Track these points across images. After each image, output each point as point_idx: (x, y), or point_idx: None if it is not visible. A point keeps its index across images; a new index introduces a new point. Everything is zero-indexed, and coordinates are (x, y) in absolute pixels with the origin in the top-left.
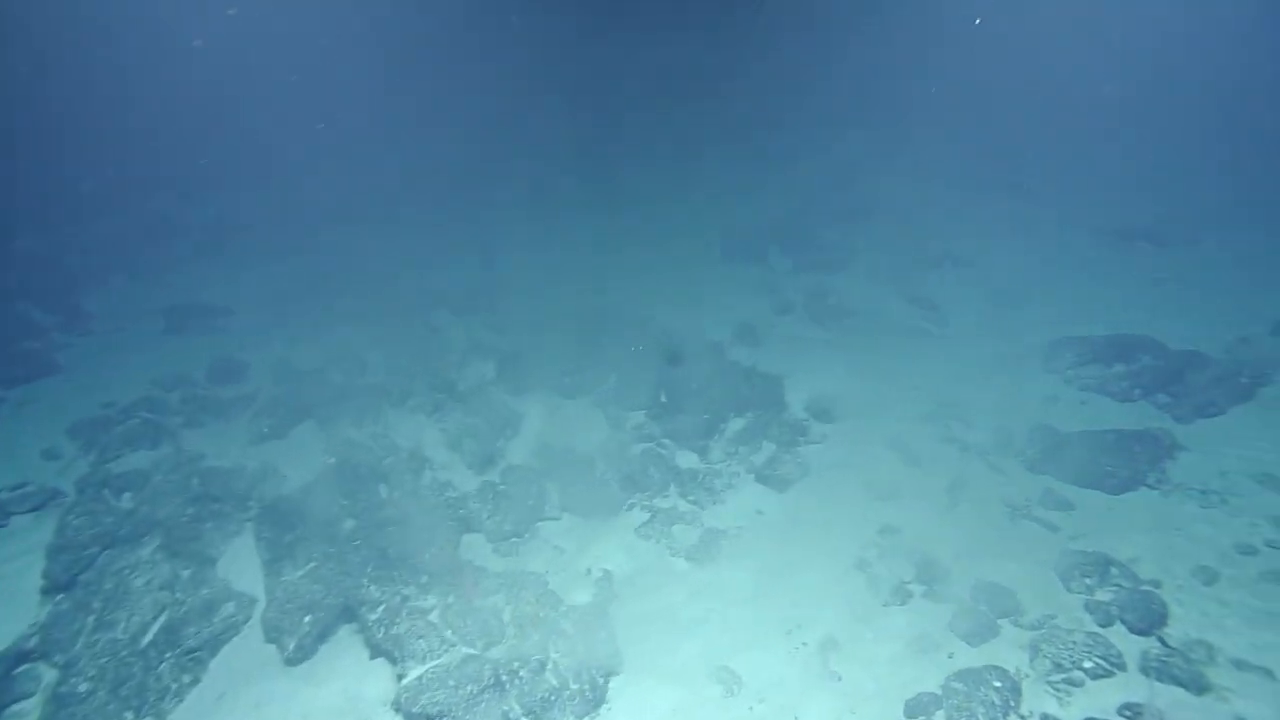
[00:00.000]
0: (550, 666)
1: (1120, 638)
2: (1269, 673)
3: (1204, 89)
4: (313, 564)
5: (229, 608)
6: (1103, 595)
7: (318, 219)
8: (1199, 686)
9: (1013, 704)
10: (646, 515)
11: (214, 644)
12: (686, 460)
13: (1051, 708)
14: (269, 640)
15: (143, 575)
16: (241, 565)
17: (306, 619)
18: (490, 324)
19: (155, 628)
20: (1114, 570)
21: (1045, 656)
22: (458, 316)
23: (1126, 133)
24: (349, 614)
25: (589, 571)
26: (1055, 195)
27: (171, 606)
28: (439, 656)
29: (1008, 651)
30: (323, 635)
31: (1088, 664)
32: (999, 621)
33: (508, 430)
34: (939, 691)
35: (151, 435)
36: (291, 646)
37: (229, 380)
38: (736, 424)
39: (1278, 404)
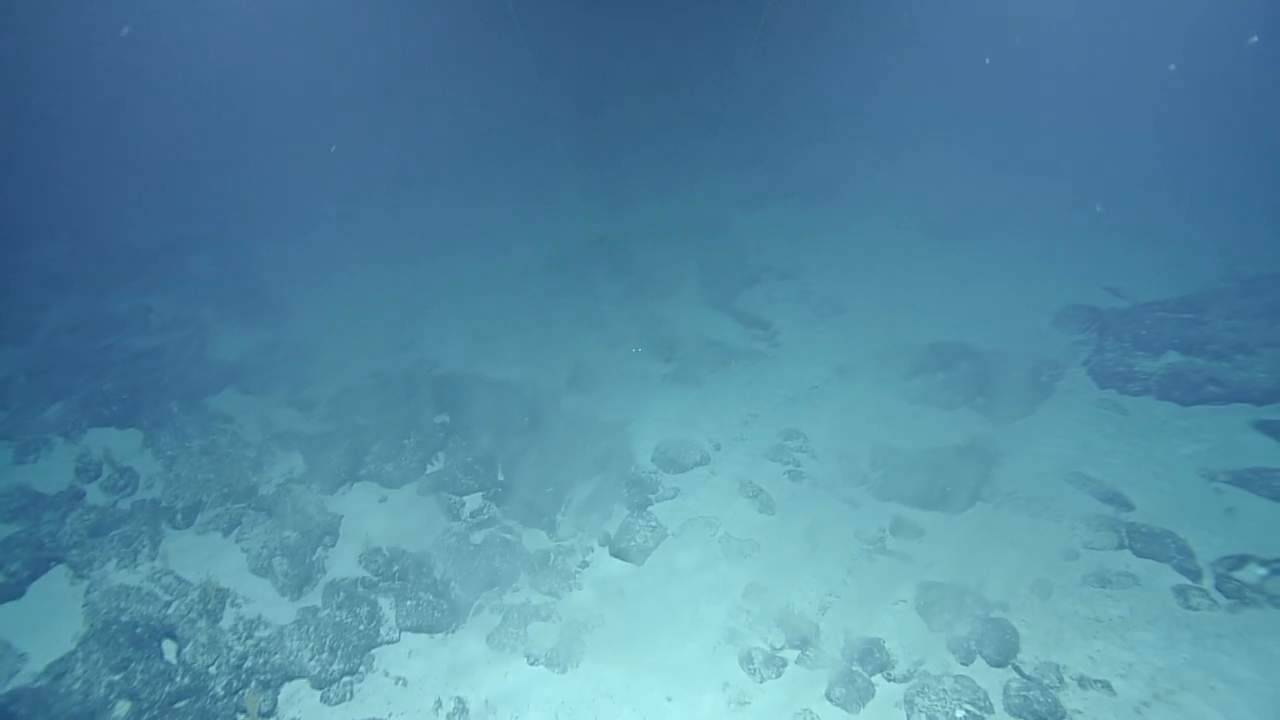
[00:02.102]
0: None
1: (982, 673)
2: (1108, 686)
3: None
4: None
5: None
6: (961, 629)
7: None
8: (1056, 717)
9: None
10: (498, 618)
11: None
12: (535, 541)
13: None
14: None
15: None
16: None
17: None
18: (292, 400)
19: None
20: (968, 599)
21: (921, 712)
22: (251, 396)
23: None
24: None
25: (439, 705)
26: (872, 197)
27: None
28: None
29: (886, 712)
30: None
31: (960, 713)
32: (873, 680)
33: (326, 538)
34: None
35: None
36: None
37: None
38: (583, 490)
39: (1072, 397)
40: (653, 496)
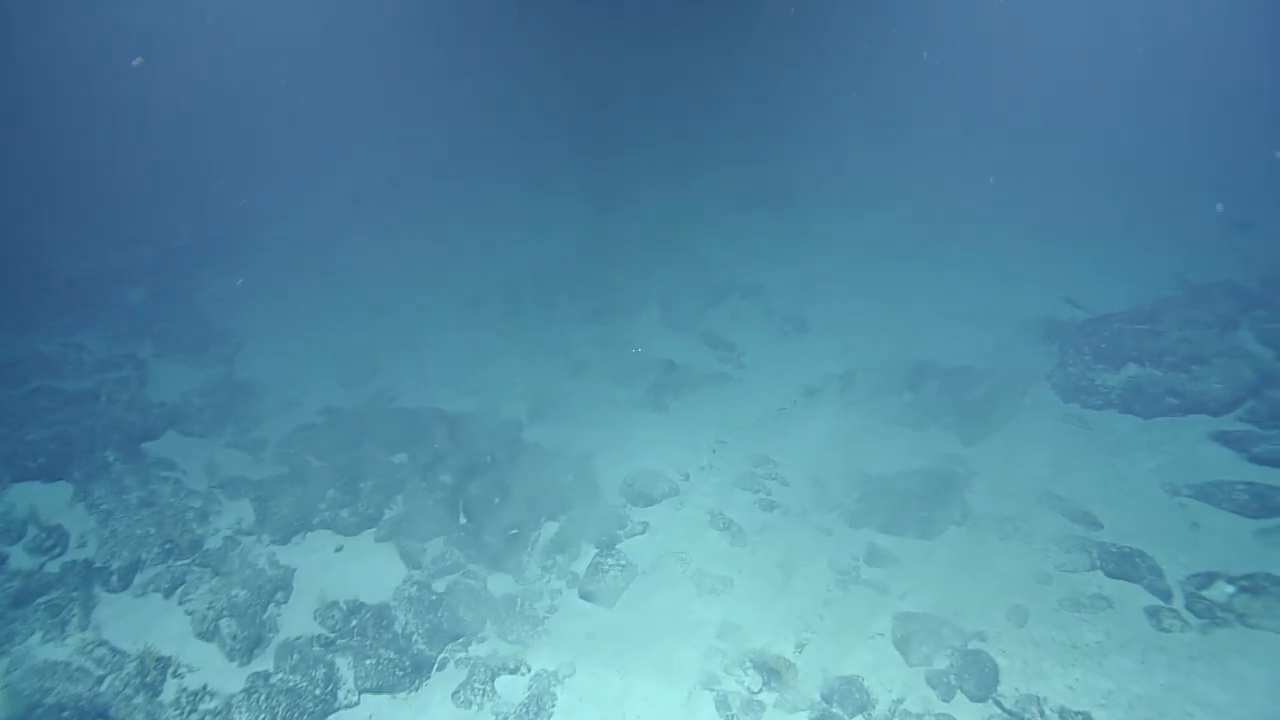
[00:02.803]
0: None
1: (963, 709)
2: (1088, 717)
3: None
4: None
5: None
6: (940, 662)
7: None
8: None
9: None
10: (464, 672)
11: None
12: (500, 585)
13: None
14: None
15: None
16: None
17: None
18: (240, 442)
19: None
20: (945, 630)
21: None
22: (195, 439)
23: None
24: None
25: None
26: (823, 210)
27: None
28: None
29: None
30: None
31: None
32: None
33: (278, 594)
34: None
35: None
36: None
37: None
38: (549, 529)
39: (1038, 413)
40: (621, 533)
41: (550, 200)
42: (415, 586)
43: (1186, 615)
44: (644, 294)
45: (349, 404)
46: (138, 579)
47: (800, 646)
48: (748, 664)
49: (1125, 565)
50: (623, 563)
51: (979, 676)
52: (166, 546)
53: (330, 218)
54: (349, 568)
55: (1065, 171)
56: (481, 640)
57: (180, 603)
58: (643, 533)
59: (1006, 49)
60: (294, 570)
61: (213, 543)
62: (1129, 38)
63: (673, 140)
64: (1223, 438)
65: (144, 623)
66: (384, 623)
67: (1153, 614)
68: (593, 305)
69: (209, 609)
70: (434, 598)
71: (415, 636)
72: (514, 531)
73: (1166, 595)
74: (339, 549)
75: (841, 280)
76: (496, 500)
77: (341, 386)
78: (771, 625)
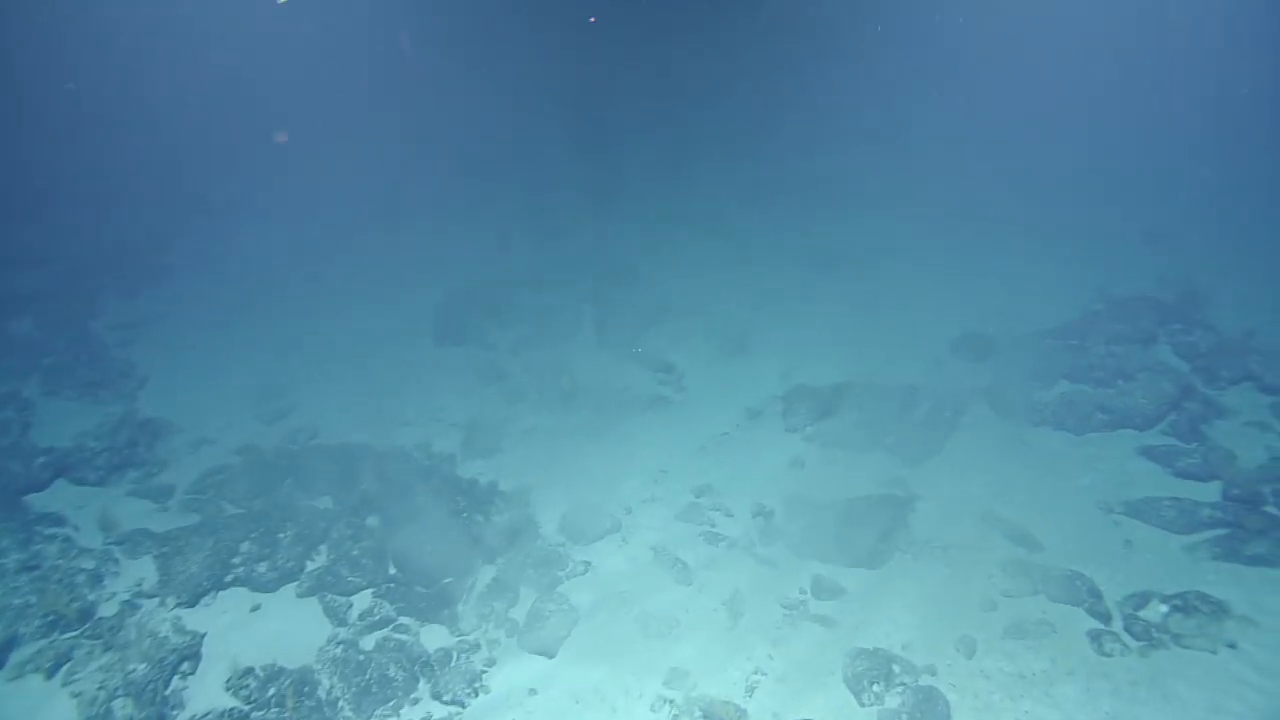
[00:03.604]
0: None
1: None
2: None
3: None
4: None
5: None
6: (891, 700)
7: None
8: None
9: None
10: None
11: None
12: (434, 638)
13: None
14: None
15: None
16: None
17: None
18: (143, 489)
19: None
20: (895, 667)
21: None
22: (89, 489)
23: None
24: None
25: None
26: (757, 225)
27: None
28: None
29: None
30: None
31: None
32: None
33: (184, 665)
34: None
35: None
36: None
37: None
38: (486, 574)
39: (976, 431)
40: (562, 574)
41: (481, 221)
42: (341, 646)
43: (1125, 638)
44: (579, 315)
45: (268, 442)
46: (13, 658)
47: (750, 690)
48: (697, 713)
49: (1066, 588)
50: (564, 607)
51: (931, 715)
52: (50, 618)
53: (248, 235)
54: (267, 629)
55: (1006, 185)
56: (414, 702)
57: (65, 684)
58: (584, 573)
59: (960, 58)
60: (203, 636)
61: (107, 609)
62: (1076, 53)
63: (606, 156)
64: (1149, 453)
65: (21, 712)
66: (306, 689)
67: (1094, 638)
68: (526, 329)
69: (100, 689)
70: (362, 657)
71: (341, 703)
72: (448, 580)
73: (1106, 618)
74: (255, 608)
75: (780, 297)
76: (428, 544)
77: (260, 422)
78: (720, 669)
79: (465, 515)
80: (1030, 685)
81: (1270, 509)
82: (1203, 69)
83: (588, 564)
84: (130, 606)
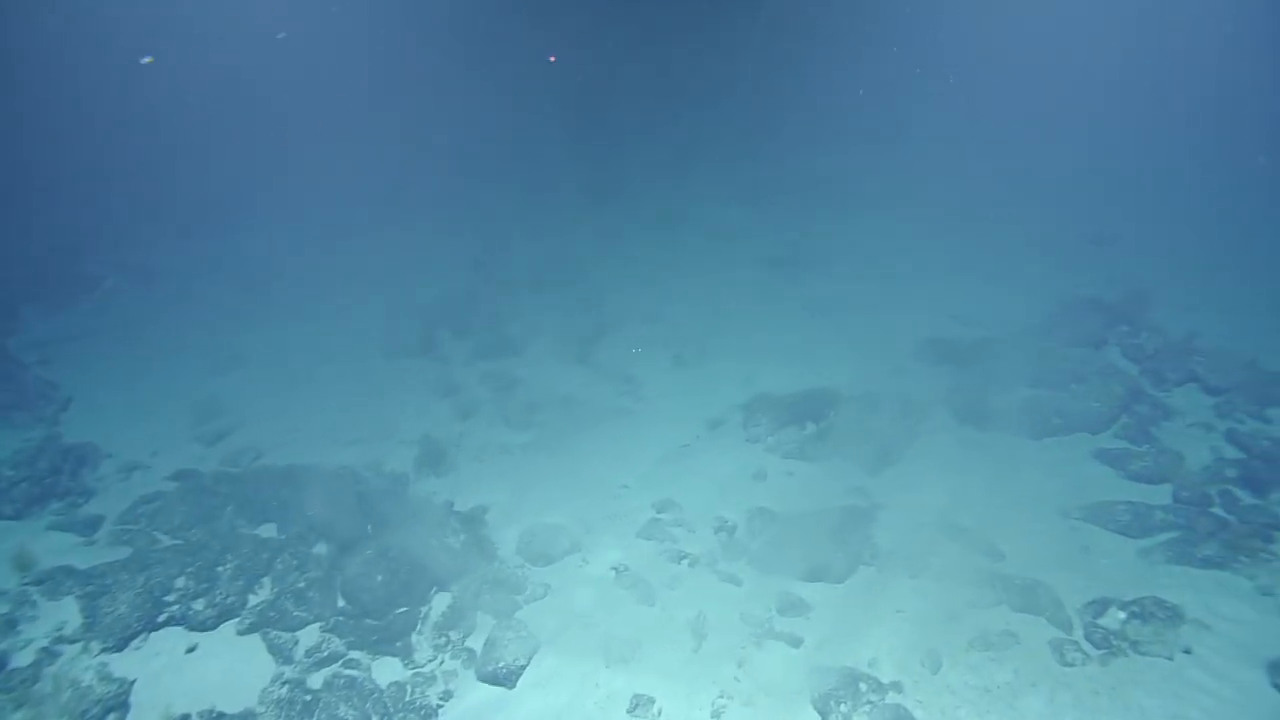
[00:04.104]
0: None
1: None
2: None
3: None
4: None
5: None
6: None
7: None
8: None
9: None
10: None
11: None
12: (387, 672)
13: None
14: None
15: None
16: None
17: None
18: (66, 522)
19: None
20: (862, 685)
21: None
22: (4, 523)
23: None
24: None
25: None
26: (714, 230)
27: None
28: None
29: None
30: None
31: None
32: None
33: (110, 717)
34: None
35: None
36: None
37: None
38: (441, 601)
39: (937, 438)
40: (520, 598)
41: (434, 230)
42: (286, 686)
43: (1086, 646)
44: (535, 325)
45: (207, 465)
46: None
47: (717, 716)
48: None
49: (1027, 597)
50: (523, 634)
51: None
52: None
53: (183, 244)
54: (204, 671)
55: (1000, 186)
56: None
57: None
58: (544, 596)
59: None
60: (132, 682)
61: (21, 659)
62: (1076, 54)
63: (604, 158)
64: (1103, 456)
65: None
66: None
67: (1056, 647)
68: (480, 340)
69: None
70: (308, 698)
71: None
72: (402, 609)
73: (1067, 626)
74: (191, 649)
75: (740, 302)
76: (380, 572)
77: (198, 444)
78: (685, 694)
79: (418, 539)
80: (995, 699)
81: (1217, 510)
82: (1202, 69)
83: (547, 587)
84: (49, 655)
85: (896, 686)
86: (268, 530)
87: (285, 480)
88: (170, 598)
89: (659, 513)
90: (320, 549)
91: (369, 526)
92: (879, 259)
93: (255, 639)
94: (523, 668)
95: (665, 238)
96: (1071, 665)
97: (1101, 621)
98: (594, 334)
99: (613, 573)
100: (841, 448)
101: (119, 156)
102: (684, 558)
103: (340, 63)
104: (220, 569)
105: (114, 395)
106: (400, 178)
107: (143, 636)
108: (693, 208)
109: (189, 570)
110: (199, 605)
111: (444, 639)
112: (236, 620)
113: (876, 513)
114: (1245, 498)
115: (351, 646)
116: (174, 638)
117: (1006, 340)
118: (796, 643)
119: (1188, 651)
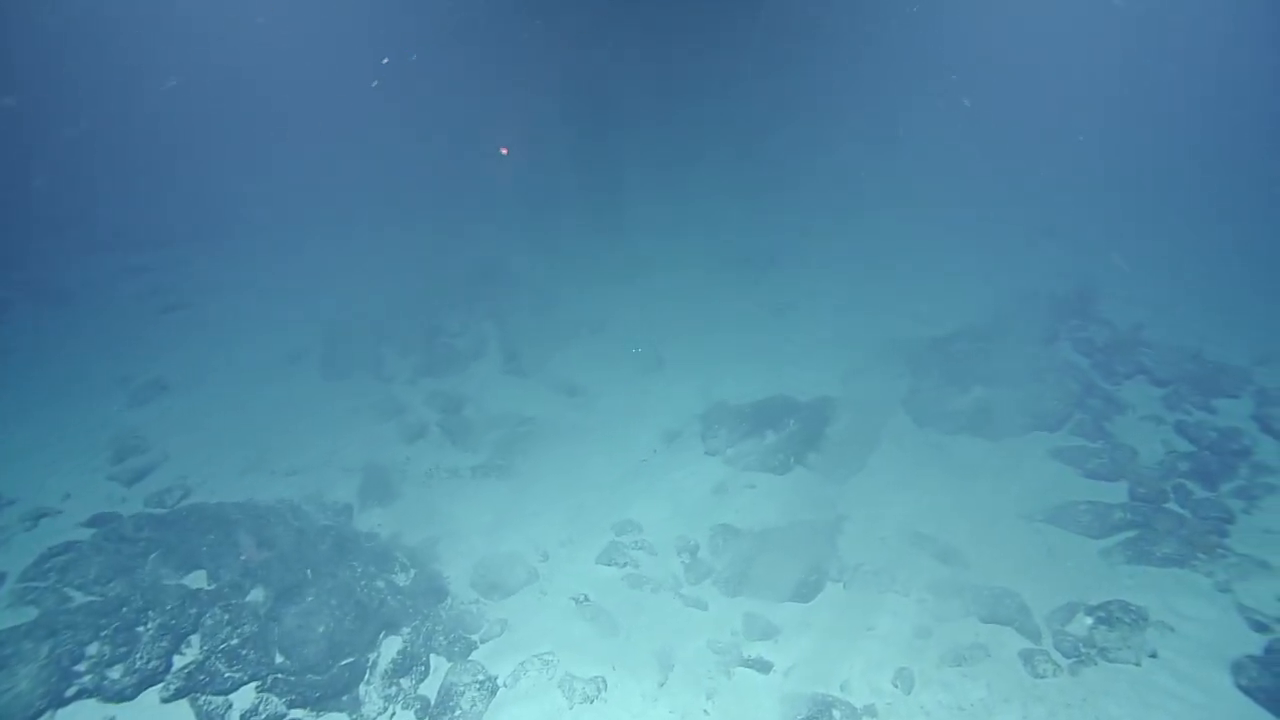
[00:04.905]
0: None
1: None
2: None
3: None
4: None
5: None
6: None
7: None
8: None
9: None
10: None
11: None
12: None
13: None
14: None
15: None
16: None
17: None
18: None
19: None
20: (835, 712)
21: None
22: None
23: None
24: None
25: None
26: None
27: None
28: None
29: None
30: None
31: None
32: None
33: None
34: None
35: None
36: None
37: None
38: (391, 647)
39: (898, 443)
40: (476, 638)
41: (370, 239)
42: None
43: (1056, 656)
44: (482, 337)
45: (127, 508)
46: None
47: None
48: None
49: (995, 607)
50: (480, 677)
51: None
52: None
53: (97, 260)
54: None
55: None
56: None
57: None
58: (501, 634)
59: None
60: None
61: None
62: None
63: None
64: (1060, 454)
65: None
66: None
67: (1027, 659)
68: (425, 356)
69: None
70: None
71: None
72: (348, 659)
73: (1036, 635)
74: None
75: (693, 307)
76: (322, 621)
77: (116, 484)
78: None
79: (363, 580)
80: (970, 717)
81: (1173, 506)
82: (1202, 69)
83: (504, 623)
84: None
85: (870, 710)
86: (197, 579)
87: (216, 521)
88: (81, 667)
89: (618, 535)
90: (256, 596)
91: (308, 571)
92: (843, 260)
93: (182, 705)
94: (480, 715)
95: (610, 244)
96: (1043, 677)
97: (1069, 629)
98: (545, 346)
99: (573, 603)
100: (802, 457)
101: (20, 161)
102: (646, 583)
103: (277, 66)
104: (141, 629)
105: (17, 431)
106: (338, 186)
107: (48, 715)
108: (630, 210)
109: (103, 634)
110: (116, 673)
111: (395, 688)
112: (160, 686)
113: (841, 524)
114: (1197, 490)
115: (293, 705)
116: (87, 712)
117: (959, 340)
118: (766, 668)
119: (1154, 655)
